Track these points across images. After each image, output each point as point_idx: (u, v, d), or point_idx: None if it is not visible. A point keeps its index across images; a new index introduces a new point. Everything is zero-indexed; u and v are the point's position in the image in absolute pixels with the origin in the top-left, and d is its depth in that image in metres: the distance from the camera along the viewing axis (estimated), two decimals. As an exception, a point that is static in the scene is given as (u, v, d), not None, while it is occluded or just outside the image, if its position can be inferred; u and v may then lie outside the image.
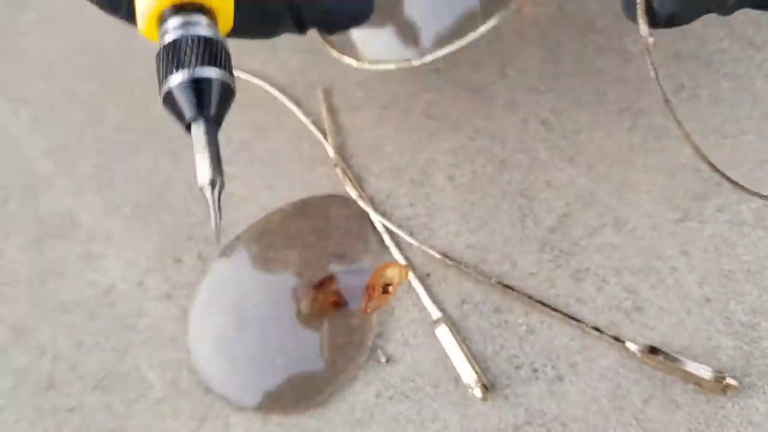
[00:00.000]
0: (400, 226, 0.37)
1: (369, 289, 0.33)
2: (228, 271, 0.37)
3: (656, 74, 0.25)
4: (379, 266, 0.34)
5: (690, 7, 0.26)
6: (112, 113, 0.46)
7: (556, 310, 0.33)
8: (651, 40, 0.25)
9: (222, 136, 0.44)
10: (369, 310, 0.33)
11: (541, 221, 0.36)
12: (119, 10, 0.28)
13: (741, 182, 0.26)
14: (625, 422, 0.30)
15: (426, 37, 0.38)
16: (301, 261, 0.36)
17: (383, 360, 0.33)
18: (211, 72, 0.22)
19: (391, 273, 0.33)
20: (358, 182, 0.39)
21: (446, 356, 0.33)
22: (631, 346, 0.31)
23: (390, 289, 0.33)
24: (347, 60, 0.39)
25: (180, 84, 0.22)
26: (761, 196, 0.27)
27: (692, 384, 0.30)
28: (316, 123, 0.42)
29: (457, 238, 0.37)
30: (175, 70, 0.22)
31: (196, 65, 0.22)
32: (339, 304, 0.34)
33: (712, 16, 0.27)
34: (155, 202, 0.41)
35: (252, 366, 0.34)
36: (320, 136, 0.41)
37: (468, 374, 0.31)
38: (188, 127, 0.23)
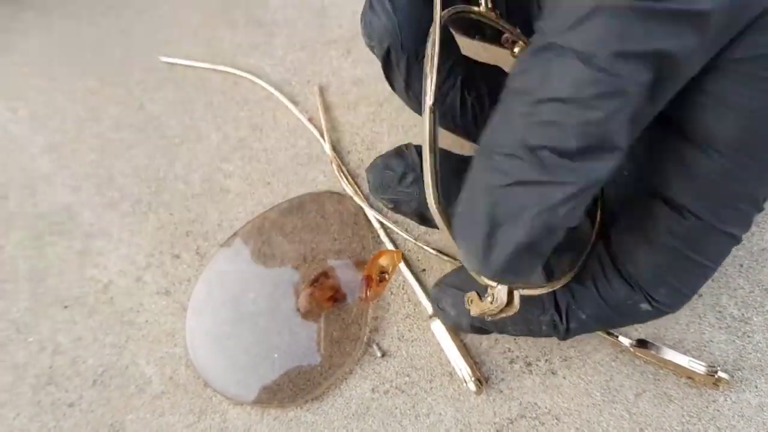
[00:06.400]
0: (395, 222, 0.37)
1: (367, 279, 0.34)
2: (225, 267, 0.37)
3: None
4: (373, 256, 0.34)
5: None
6: (109, 111, 0.46)
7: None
8: None
9: (219, 134, 0.44)
10: (369, 300, 0.34)
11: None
12: None
13: None
14: (617, 415, 0.30)
15: None
16: (298, 257, 0.36)
17: (379, 354, 0.34)
18: None
19: (385, 261, 0.34)
20: (354, 179, 0.39)
21: (441, 351, 0.33)
22: (624, 340, 0.31)
23: (386, 276, 0.34)
24: None
25: None
26: None
27: (684, 378, 0.30)
28: (312, 120, 0.42)
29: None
30: None
31: None
32: (335, 299, 0.35)
33: None
34: (153, 199, 0.41)
35: (249, 360, 0.34)
36: (316, 133, 0.41)
37: (462, 368, 0.32)
38: None
